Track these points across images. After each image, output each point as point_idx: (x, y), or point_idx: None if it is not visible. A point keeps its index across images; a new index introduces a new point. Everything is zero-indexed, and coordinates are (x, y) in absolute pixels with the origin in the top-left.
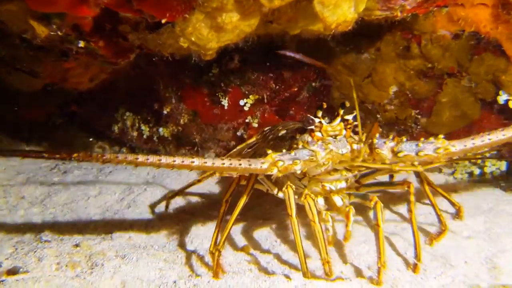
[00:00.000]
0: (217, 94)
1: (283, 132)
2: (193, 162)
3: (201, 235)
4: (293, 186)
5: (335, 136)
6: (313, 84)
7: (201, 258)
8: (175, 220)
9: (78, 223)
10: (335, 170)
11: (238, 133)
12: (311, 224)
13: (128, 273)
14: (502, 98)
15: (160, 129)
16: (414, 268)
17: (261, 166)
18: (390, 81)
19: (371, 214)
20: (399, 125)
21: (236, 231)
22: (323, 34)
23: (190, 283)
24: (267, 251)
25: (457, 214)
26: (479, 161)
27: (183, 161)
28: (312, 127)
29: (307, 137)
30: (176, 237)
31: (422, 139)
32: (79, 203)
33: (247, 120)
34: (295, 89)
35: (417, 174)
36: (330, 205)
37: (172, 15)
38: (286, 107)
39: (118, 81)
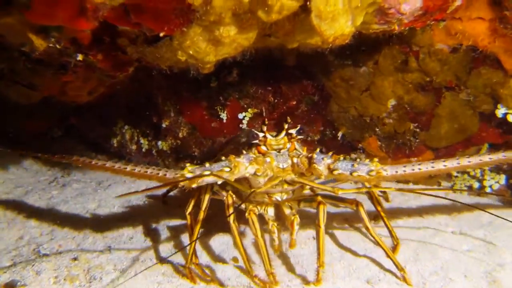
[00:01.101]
0: (215, 108)
1: (244, 140)
2: (113, 166)
3: (200, 247)
4: (256, 212)
5: (279, 150)
6: (312, 97)
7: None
8: (173, 233)
9: (77, 236)
10: (279, 183)
11: None
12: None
13: (127, 287)
14: (500, 111)
15: (159, 143)
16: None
17: (173, 177)
18: (388, 95)
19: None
20: (398, 138)
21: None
22: (321, 47)
23: None
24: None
25: (393, 248)
26: (478, 175)
27: (113, 166)
28: (256, 141)
29: (253, 151)
30: (174, 250)
31: (357, 159)
32: (78, 216)
33: None
34: (294, 103)
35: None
36: (280, 213)
37: (170, 28)
38: (284, 121)
39: (116, 95)
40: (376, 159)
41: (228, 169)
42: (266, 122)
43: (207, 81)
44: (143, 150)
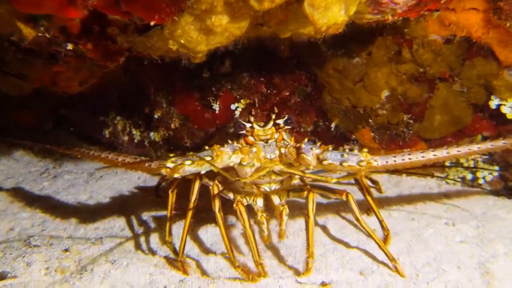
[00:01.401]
0: (208, 98)
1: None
2: (100, 155)
3: (192, 239)
4: (244, 203)
5: (266, 140)
6: (305, 88)
7: (192, 262)
8: (166, 225)
9: (68, 228)
10: (266, 173)
11: None
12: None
13: (118, 278)
14: (494, 102)
15: (151, 134)
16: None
17: (156, 167)
18: (381, 86)
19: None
20: (391, 130)
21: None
22: (314, 37)
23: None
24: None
25: (385, 238)
26: (471, 166)
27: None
28: (243, 131)
29: (241, 141)
30: (167, 242)
31: (346, 149)
32: (69, 208)
33: None
34: (287, 94)
35: (358, 183)
36: (269, 204)
37: (161, 17)
38: (278, 115)
39: (108, 85)
40: (365, 150)
41: (209, 158)
42: (253, 113)
43: (200, 72)
44: (135, 141)
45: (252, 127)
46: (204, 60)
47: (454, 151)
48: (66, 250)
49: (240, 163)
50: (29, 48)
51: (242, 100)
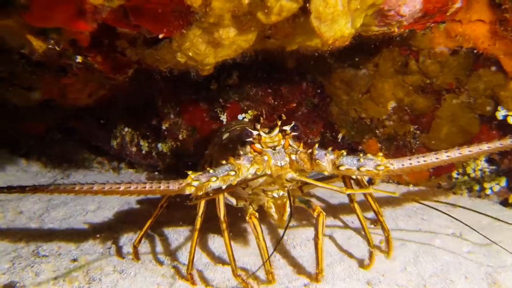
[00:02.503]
0: (215, 110)
1: (226, 135)
2: (119, 187)
3: (200, 250)
4: (257, 216)
5: (274, 147)
6: (312, 99)
7: (198, 273)
8: (173, 235)
9: (76, 238)
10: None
11: None
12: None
13: None
14: (500, 113)
15: (159, 145)
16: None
17: (178, 187)
18: (388, 97)
19: None
20: (398, 140)
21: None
22: (320, 50)
23: None
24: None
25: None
26: (478, 177)
27: (111, 187)
28: (250, 139)
29: (248, 149)
30: (174, 252)
31: (361, 154)
32: (78, 218)
33: None
34: (294, 105)
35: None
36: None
37: (169, 30)
38: (284, 123)
39: (117, 97)
40: (380, 153)
41: (233, 173)
42: (261, 121)
43: (207, 84)
44: (143, 152)
45: (259, 135)
46: (212, 72)
47: (465, 151)
48: (75, 260)
49: (255, 173)
50: (39, 61)
51: (249, 111)
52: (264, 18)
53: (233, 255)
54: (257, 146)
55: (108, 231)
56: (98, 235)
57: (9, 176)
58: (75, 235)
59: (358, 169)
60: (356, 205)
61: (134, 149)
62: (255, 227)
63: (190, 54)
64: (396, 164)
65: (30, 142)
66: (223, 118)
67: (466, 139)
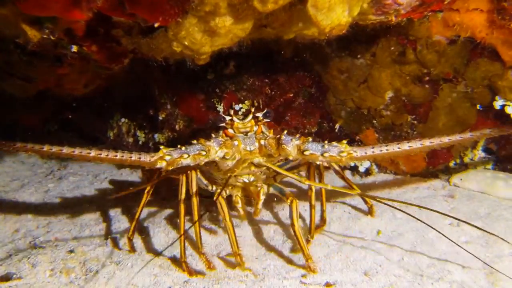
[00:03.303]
0: (212, 100)
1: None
2: (89, 153)
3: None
4: (224, 195)
5: (246, 133)
6: (309, 89)
7: (195, 264)
8: (170, 226)
9: (73, 229)
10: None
11: None
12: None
13: (123, 279)
14: (498, 103)
15: (156, 135)
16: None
17: (149, 160)
18: (385, 87)
19: None
20: (396, 131)
21: None
22: (317, 38)
23: None
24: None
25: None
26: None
27: (81, 152)
28: (223, 124)
29: (220, 133)
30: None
31: (326, 141)
32: (74, 209)
33: None
34: (291, 95)
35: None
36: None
37: (165, 19)
38: (281, 113)
39: (113, 87)
40: (344, 141)
41: (204, 153)
42: (234, 105)
43: (204, 73)
44: (140, 142)
45: (232, 120)
46: (208, 62)
47: (427, 142)
48: (71, 251)
49: (223, 157)
50: (34, 51)
51: (246, 101)
52: (261, 7)
53: (200, 233)
54: (230, 131)
55: (105, 222)
56: (95, 227)
57: (5, 167)
58: (71, 226)
59: (322, 154)
60: (312, 194)
61: (130, 139)
62: (222, 208)
63: (186, 43)
64: (359, 152)
65: (27, 133)
66: (220, 108)
67: (463, 129)
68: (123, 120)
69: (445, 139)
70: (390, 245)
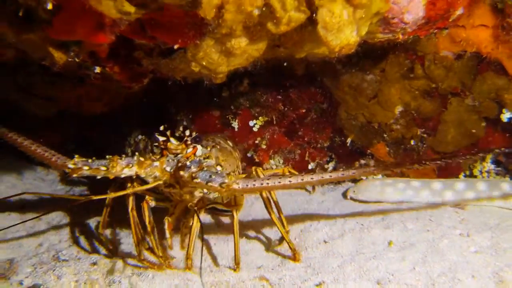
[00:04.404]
0: (227, 116)
1: None
2: (16, 139)
3: (214, 253)
4: (149, 201)
5: (176, 155)
6: (321, 105)
7: (214, 275)
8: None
9: (95, 243)
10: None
11: (248, 155)
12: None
13: None
14: (505, 116)
15: None
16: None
17: (58, 162)
18: (395, 101)
19: None
20: (406, 144)
21: None
22: (328, 57)
23: None
24: None
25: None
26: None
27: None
28: (156, 144)
29: (158, 152)
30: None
31: (219, 171)
32: (96, 224)
33: (256, 142)
34: (303, 110)
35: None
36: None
37: (184, 41)
38: (294, 128)
39: (131, 105)
40: (233, 174)
41: (104, 168)
42: (164, 127)
43: (219, 91)
44: None
45: (165, 141)
46: (224, 80)
47: (307, 178)
48: (94, 263)
49: (137, 175)
50: (57, 72)
51: (260, 118)
52: (274, 28)
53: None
54: (165, 151)
55: (126, 236)
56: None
57: (26, 184)
58: (94, 240)
59: (206, 183)
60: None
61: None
62: (144, 210)
63: (204, 63)
64: (241, 184)
65: None
66: (235, 124)
67: (471, 142)
68: (140, 137)
69: (327, 176)
70: (402, 255)
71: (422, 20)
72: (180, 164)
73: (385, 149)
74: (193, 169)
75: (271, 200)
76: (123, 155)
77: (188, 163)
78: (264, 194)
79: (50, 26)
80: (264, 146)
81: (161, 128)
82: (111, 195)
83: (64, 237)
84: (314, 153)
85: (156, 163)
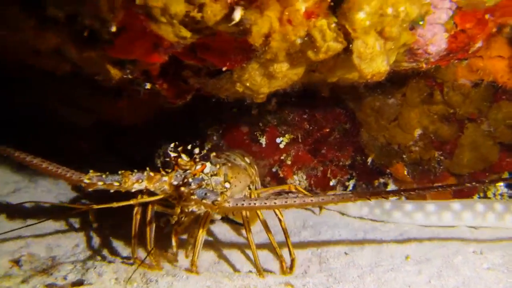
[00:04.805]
0: (255, 133)
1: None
2: (32, 161)
3: (230, 260)
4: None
5: (185, 170)
6: (344, 125)
7: (242, 279)
8: (218, 244)
9: (130, 245)
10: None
11: (273, 170)
12: None
13: None
14: None
15: None
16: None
17: (74, 178)
18: (414, 125)
19: None
20: (423, 165)
21: None
22: (357, 81)
23: None
24: None
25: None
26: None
27: (31, 161)
28: (167, 159)
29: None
30: (220, 260)
31: (215, 189)
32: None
33: (282, 158)
34: (327, 130)
35: None
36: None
37: (231, 64)
38: (318, 147)
39: (161, 117)
40: (227, 193)
41: (117, 184)
42: (175, 144)
43: (248, 109)
44: None
45: (176, 157)
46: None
47: (291, 200)
48: (132, 264)
49: (147, 188)
50: (98, 86)
51: (286, 135)
52: (313, 56)
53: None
54: (176, 166)
55: (160, 239)
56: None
57: (60, 189)
58: (129, 241)
59: (201, 200)
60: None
61: None
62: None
63: (248, 84)
64: (232, 203)
65: (81, 158)
66: (262, 141)
67: (486, 165)
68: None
69: (308, 200)
70: (418, 268)
71: (444, 52)
72: (185, 181)
73: (403, 169)
74: (193, 186)
75: (279, 222)
76: (135, 170)
77: (190, 179)
78: (261, 217)
79: (111, 46)
80: (289, 162)
81: (172, 145)
82: (114, 204)
83: (99, 238)
84: (336, 170)
85: (165, 178)
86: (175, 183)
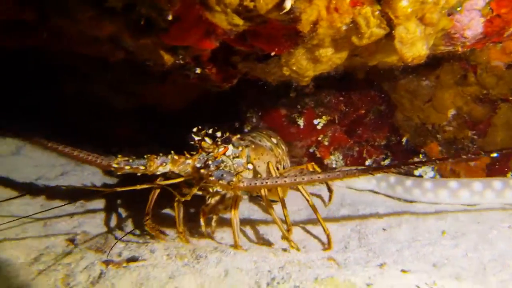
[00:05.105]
0: (293, 115)
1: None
2: (64, 149)
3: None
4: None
5: (208, 153)
6: (379, 107)
7: (286, 254)
8: (263, 220)
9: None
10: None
11: (311, 150)
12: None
13: (229, 263)
14: None
15: None
16: None
17: (103, 163)
18: (448, 105)
19: None
20: (457, 144)
21: None
22: (395, 65)
23: (283, 272)
24: None
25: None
26: None
27: (63, 149)
28: (192, 142)
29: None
30: (265, 235)
31: (232, 170)
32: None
33: (319, 139)
34: (363, 111)
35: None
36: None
37: (280, 49)
38: (354, 128)
39: (201, 102)
40: (241, 174)
41: (142, 168)
42: (198, 128)
43: (287, 92)
44: None
45: (200, 140)
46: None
47: (299, 178)
48: (178, 245)
49: (171, 171)
50: (144, 70)
51: (323, 117)
52: (357, 41)
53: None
54: (200, 149)
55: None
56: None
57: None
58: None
59: (218, 181)
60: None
61: None
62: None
63: (294, 68)
64: (246, 183)
65: (120, 143)
66: (300, 122)
67: None
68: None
69: (315, 177)
70: (455, 242)
71: (480, 36)
72: (205, 163)
73: (437, 148)
74: (212, 168)
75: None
76: (160, 154)
77: (210, 162)
78: (262, 192)
79: (166, 33)
80: (326, 143)
81: (195, 129)
82: (137, 187)
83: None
84: (371, 150)
85: (189, 161)
86: (198, 165)
